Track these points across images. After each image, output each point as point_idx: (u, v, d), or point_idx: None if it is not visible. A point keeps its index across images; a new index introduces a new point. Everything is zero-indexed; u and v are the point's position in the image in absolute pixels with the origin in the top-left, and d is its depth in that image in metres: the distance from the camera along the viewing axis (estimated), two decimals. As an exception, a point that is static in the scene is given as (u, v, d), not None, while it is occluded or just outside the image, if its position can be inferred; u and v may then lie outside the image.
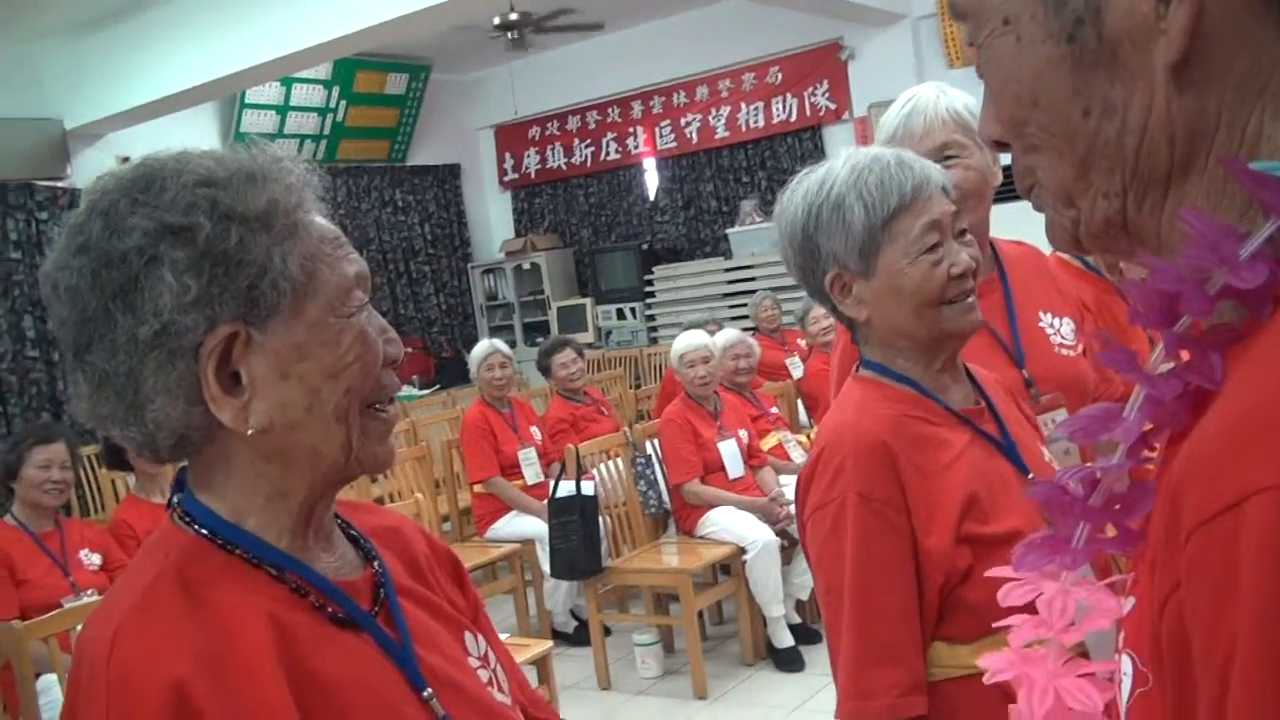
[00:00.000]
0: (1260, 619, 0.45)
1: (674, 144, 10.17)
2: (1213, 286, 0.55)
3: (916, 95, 1.97)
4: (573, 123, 10.74)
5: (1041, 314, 2.06)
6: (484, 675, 1.06)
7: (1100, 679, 0.64)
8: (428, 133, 10.63)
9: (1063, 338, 2.07)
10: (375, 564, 1.02)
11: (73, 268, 0.89)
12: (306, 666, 0.88)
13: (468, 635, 1.08)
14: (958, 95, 1.97)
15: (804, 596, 5.01)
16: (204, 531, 0.92)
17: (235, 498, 0.93)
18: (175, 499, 0.96)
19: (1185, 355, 0.59)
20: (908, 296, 1.47)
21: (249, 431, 0.89)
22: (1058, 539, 0.65)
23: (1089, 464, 0.64)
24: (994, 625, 0.75)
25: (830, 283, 1.52)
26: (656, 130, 10.25)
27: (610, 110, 10.46)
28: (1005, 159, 2.24)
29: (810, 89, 9.24)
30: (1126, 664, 0.59)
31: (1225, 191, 0.58)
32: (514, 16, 7.95)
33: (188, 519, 0.93)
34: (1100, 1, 0.58)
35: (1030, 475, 1.50)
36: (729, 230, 9.64)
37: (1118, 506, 0.62)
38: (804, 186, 1.54)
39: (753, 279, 9.10)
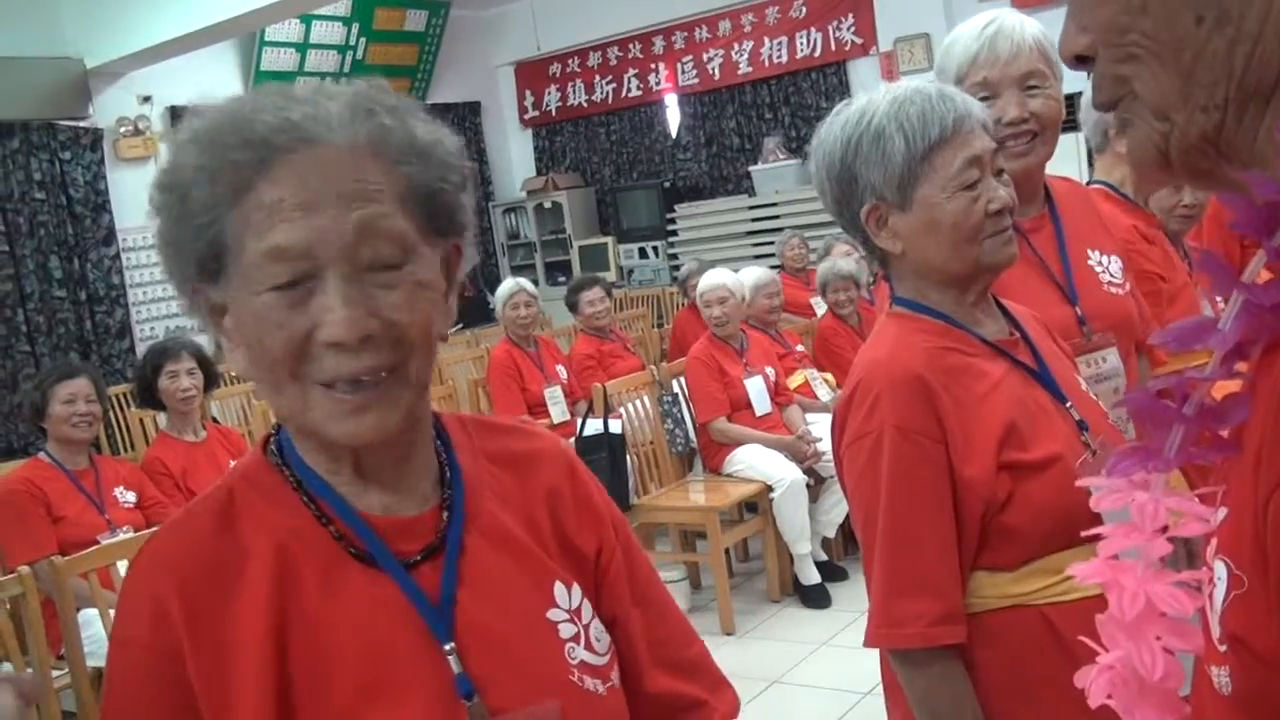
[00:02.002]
0: None
1: (696, 80, 10.05)
2: None
3: (999, 18, 1.92)
4: (594, 59, 10.62)
5: (1090, 252, 2.03)
6: (567, 630, 1.01)
7: (1189, 588, 0.64)
8: (447, 70, 10.54)
9: (1111, 275, 2.05)
10: (446, 505, 1.00)
11: None
12: (301, 601, 0.92)
13: (558, 586, 1.02)
14: (1035, 23, 1.93)
15: (830, 534, 5.04)
16: (272, 446, 1.00)
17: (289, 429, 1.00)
18: None
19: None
20: (945, 231, 1.46)
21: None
22: (1150, 447, 0.64)
23: (1182, 373, 0.64)
24: (1083, 535, 0.75)
25: (866, 215, 1.51)
26: (679, 66, 10.12)
27: (632, 46, 10.33)
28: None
29: (835, 23, 9.09)
30: (1221, 569, 0.59)
31: None
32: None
33: (275, 431, 1.01)
34: None
35: (1068, 404, 1.50)
36: (752, 168, 9.56)
37: (1211, 415, 0.62)
38: (843, 117, 1.53)
39: (776, 217, 9.04)
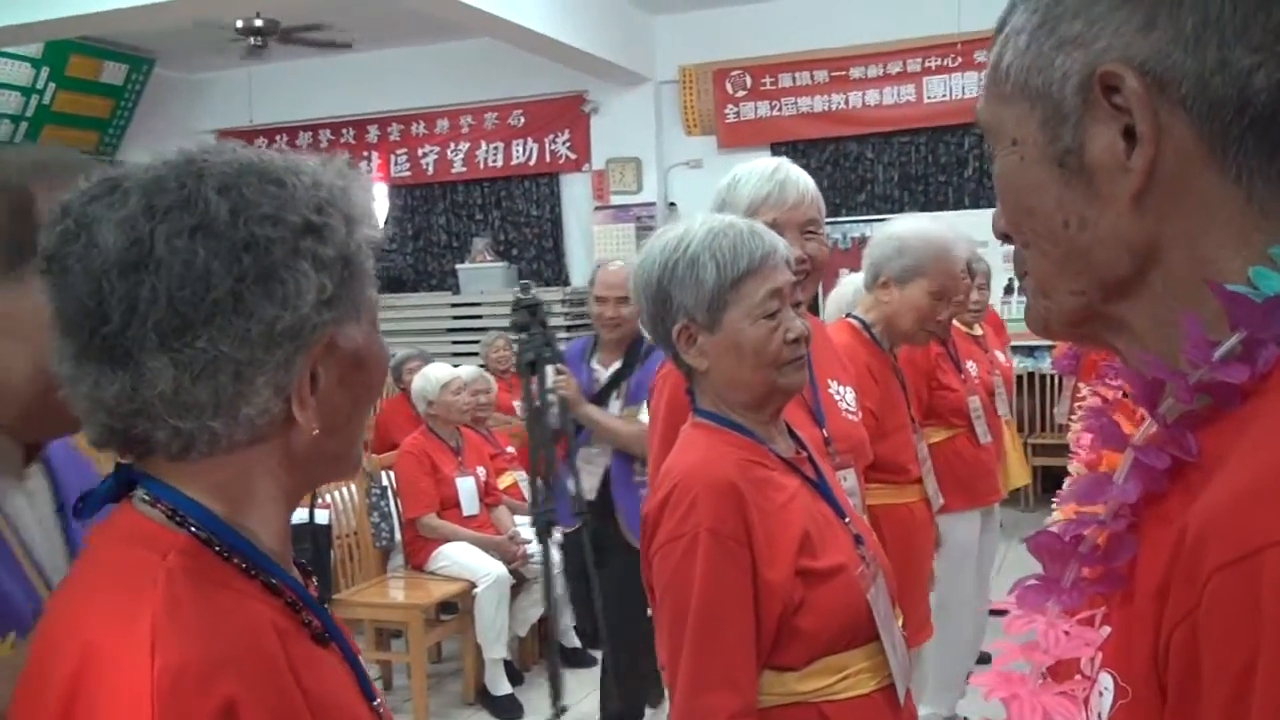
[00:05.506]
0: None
1: (408, 173, 10.05)
2: (1194, 379, 0.68)
3: (783, 166, 2.12)
4: (304, 138, 10.38)
5: (830, 381, 2.25)
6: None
7: (1073, 697, 0.74)
8: (144, 130, 9.96)
9: (847, 404, 2.27)
10: (313, 578, 1.01)
11: (187, 246, 0.82)
12: (302, 683, 0.85)
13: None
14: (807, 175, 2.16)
15: (523, 633, 5.04)
16: (199, 532, 0.87)
17: (237, 497, 0.89)
18: (143, 494, 0.89)
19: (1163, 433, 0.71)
20: (747, 354, 1.59)
21: (315, 432, 0.88)
22: (1050, 580, 0.75)
23: (1077, 519, 0.75)
24: (986, 649, 0.85)
25: (677, 333, 1.62)
26: (392, 157, 10.10)
27: (345, 131, 10.21)
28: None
29: (552, 136, 9.41)
30: (1107, 680, 0.70)
31: (1171, 297, 0.72)
32: (259, 23, 7.67)
33: (178, 517, 0.87)
34: (1085, 138, 0.72)
35: (847, 519, 1.65)
36: (459, 265, 9.62)
37: (1102, 553, 0.73)
38: (662, 241, 1.65)
39: (479, 316, 9.10)
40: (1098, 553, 0.74)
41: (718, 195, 2.19)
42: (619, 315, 3.95)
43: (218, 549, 0.87)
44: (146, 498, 0.89)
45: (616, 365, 4.02)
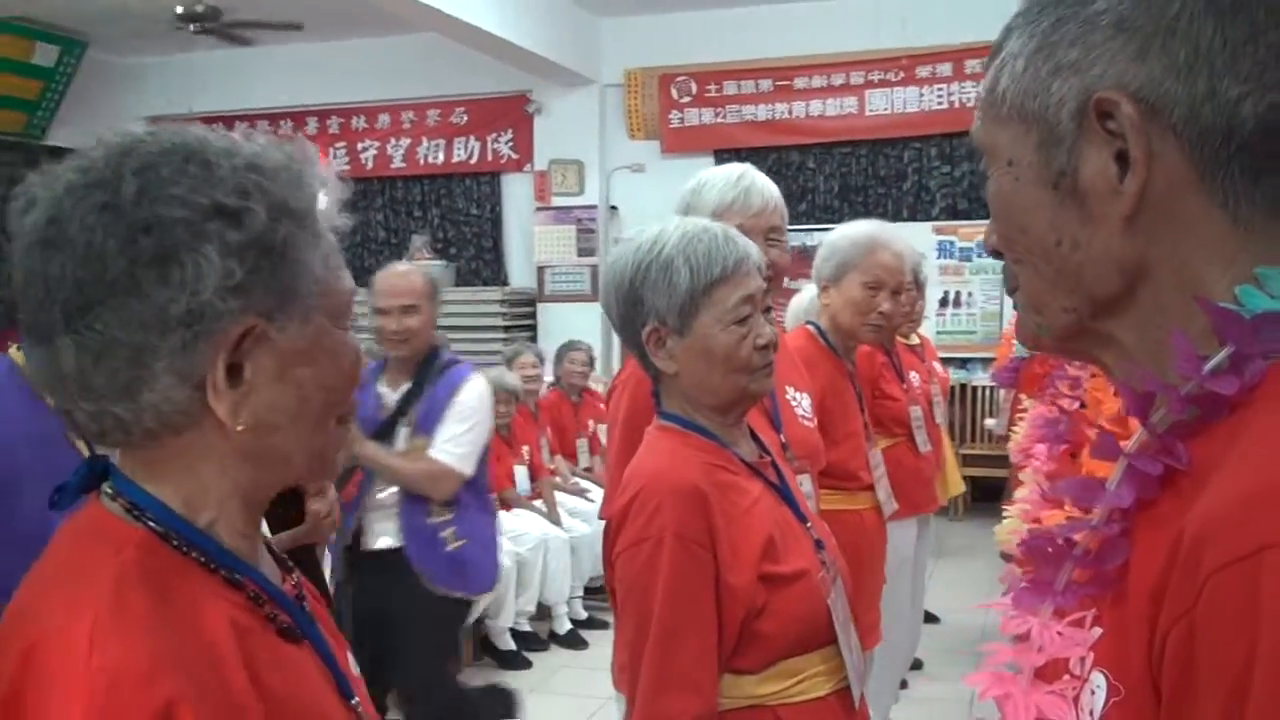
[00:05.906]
0: (1278, 639, 0.59)
1: (347, 167, 9.91)
2: (1186, 391, 0.71)
3: (748, 172, 2.14)
4: (240, 129, 10.15)
5: (788, 388, 2.28)
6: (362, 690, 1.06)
7: (1063, 696, 0.76)
8: (76, 113, 9.70)
9: (803, 410, 2.30)
10: (294, 574, 0.99)
11: (94, 224, 0.81)
12: (262, 681, 0.83)
13: (349, 654, 1.06)
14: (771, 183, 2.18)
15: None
16: (156, 527, 0.85)
17: (192, 492, 0.87)
18: (108, 487, 0.88)
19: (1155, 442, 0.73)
20: (717, 359, 1.61)
21: (239, 428, 0.85)
22: (1042, 582, 0.77)
23: (1071, 522, 0.78)
24: (980, 649, 0.86)
25: (647, 335, 1.63)
26: (331, 150, 9.97)
27: (283, 122, 10.07)
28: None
29: (494, 135, 9.37)
30: (1099, 679, 0.72)
31: (1160, 313, 0.75)
32: (200, 9, 7.54)
33: (135, 511, 0.86)
34: (1079, 162, 0.75)
35: (808, 524, 1.67)
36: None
37: (1095, 557, 0.76)
38: (635, 243, 1.65)
39: (416, 314, 9.02)
40: (1089, 556, 0.76)
41: (682, 199, 2.21)
42: (405, 328, 3.31)
43: (176, 543, 0.86)
44: (110, 491, 0.88)
45: (406, 387, 3.38)
